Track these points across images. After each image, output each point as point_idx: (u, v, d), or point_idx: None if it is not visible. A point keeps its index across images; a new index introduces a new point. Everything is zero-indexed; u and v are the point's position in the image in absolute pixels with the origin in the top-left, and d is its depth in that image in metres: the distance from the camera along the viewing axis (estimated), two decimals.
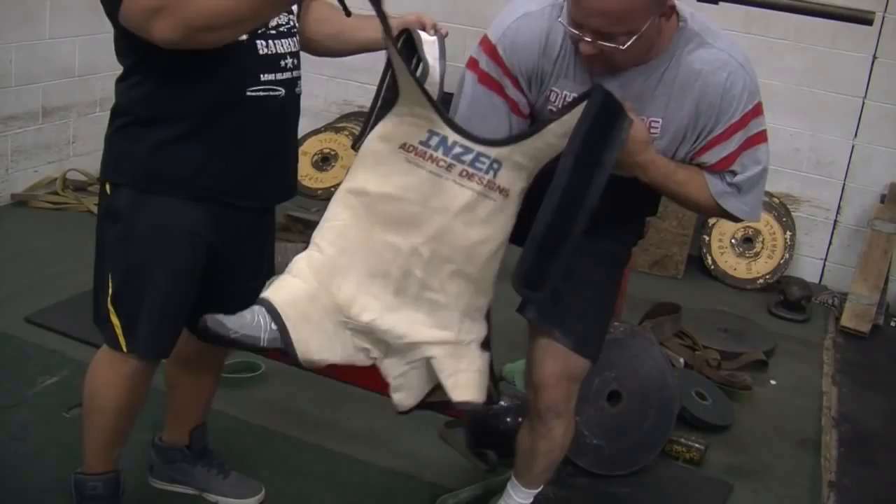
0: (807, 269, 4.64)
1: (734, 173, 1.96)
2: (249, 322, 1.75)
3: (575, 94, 1.91)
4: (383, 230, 1.85)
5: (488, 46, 1.95)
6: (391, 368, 1.91)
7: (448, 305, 1.89)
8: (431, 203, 1.85)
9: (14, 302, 3.37)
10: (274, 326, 1.76)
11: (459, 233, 1.86)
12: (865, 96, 4.40)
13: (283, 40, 2.01)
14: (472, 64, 1.98)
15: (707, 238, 4.59)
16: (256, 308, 1.78)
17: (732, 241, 4.56)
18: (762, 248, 4.52)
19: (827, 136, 4.50)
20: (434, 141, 1.84)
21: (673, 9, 1.83)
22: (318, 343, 1.80)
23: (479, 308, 1.96)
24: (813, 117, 4.49)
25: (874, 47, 4.32)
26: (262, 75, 1.96)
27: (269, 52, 1.98)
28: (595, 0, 1.75)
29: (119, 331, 2.05)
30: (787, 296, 4.23)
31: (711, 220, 4.56)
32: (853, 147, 4.48)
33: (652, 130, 1.92)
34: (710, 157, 1.94)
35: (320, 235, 1.87)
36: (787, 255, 4.51)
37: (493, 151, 1.85)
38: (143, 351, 2.07)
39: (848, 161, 4.50)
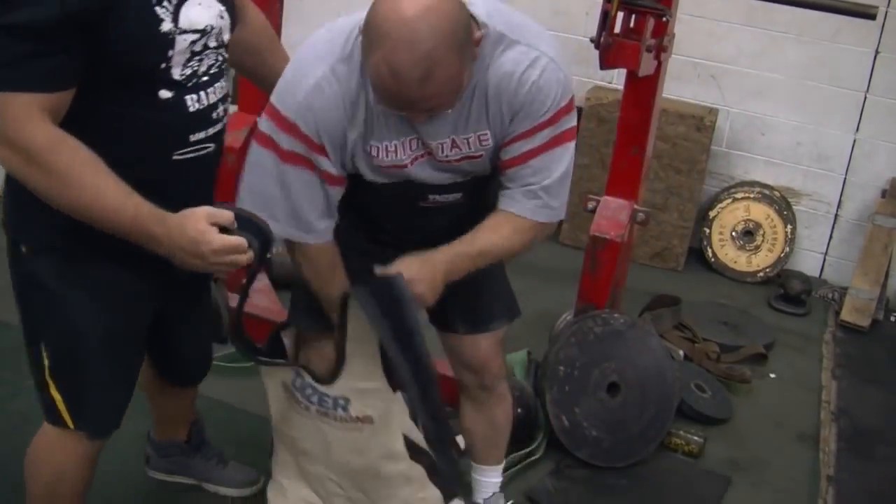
0: (807, 262, 4.63)
1: (540, 177, 1.85)
2: None
3: (397, 143, 1.79)
4: (305, 461, 2.13)
5: (286, 124, 1.75)
6: None
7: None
8: (314, 439, 2.06)
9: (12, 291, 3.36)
10: None
11: (349, 461, 2.07)
12: (867, 91, 4.38)
13: (215, 85, 1.76)
14: (266, 141, 1.78)
15: (708, 230, 4.58)
16: None
17: (733, 233, 4.55)
18: (763, 241, 4.52)
19: (828, 131, 4.49)
20: (298, 382, 2.02)
21: (479, 40, 1.69)
22: None
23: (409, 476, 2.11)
24: (815, 111, 4.48)
25: (877, 42, 4.30)
26: (191, 136, 1.72)
27: (201, 107, 1.72)
28: (414, 94, 1.60)
29: (62, 405, 1.85)
30: (787, 289, 4.22)
31: (712, 213, 4.55)
32: (855, 141, 4.47)
33: (483, 142, 1.82)
34: (512, 150, 1.83)
35: (276, 470, 2.22)
36: (787, 249, 4.50)
37: (331, 390, 1.97)
38: (95, 428, 1.89)
39: (849, 155, 4.48)
